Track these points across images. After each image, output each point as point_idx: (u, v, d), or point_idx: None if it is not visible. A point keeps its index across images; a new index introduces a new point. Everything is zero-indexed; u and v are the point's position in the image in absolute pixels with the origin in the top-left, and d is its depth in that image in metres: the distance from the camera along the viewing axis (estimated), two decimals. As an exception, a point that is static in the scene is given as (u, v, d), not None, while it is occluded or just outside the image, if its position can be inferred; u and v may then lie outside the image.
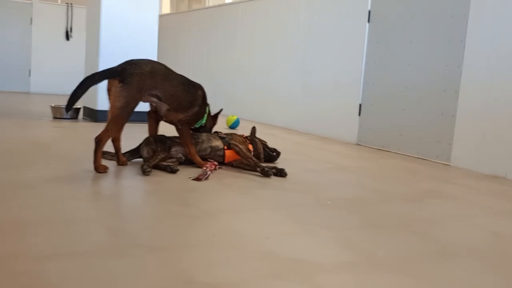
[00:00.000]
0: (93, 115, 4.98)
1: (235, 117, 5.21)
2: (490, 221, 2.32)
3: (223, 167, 3.09)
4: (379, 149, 4.42)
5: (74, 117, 5.12)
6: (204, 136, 3.14)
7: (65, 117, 5.00)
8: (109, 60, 4.59)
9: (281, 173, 2.95)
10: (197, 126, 3.22)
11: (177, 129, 3.01)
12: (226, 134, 3.21)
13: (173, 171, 2.80)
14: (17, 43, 8.27)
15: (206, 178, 2.71)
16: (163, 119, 3.03)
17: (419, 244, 1.89)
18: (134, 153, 3.04)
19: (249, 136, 3.37)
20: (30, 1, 8.29)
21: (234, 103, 6.70)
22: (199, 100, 3.08)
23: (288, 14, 5.70)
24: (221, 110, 3.42)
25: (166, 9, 8.78)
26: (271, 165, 3.07)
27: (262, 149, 3.34)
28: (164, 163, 2.88)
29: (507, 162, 3.40)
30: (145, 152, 2.98)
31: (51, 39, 8.35)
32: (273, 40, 5.97)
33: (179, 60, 8.33)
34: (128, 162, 2.97)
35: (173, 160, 2.99)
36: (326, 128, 5.05)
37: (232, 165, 3.13)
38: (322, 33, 5.15)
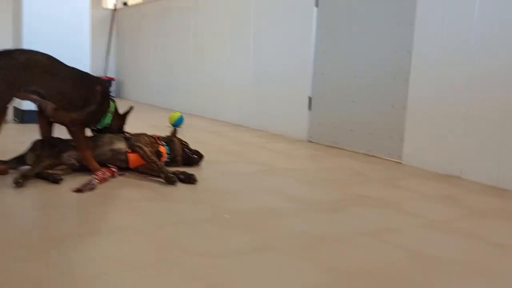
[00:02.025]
0: (18, 115, 4.53)
1: (178, 114, 4.77)
2: (415, 236, 1.90)
3: (127, 173, 2.66)
4: (330, 146, 3.99)
5: None
6: (106, 138, 2.70)
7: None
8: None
9: (189, 179, 2.53)
10: (99, 127, 2.78)
11: (69, 131, 2.57)
12: (134, 134, 2.77)
13: (56, 181, 2.37)
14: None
15: (92, 189, 2.27)
16: (50, 119, 2.59)
17: (306, 273, 1.46)
18: (20, 160, 2.60)
19: (163, 136, 2.94)
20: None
21: (188, 99, 6.27)
22: (97, 97, 2.64)
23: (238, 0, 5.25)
24: (131, 108, 2.98)
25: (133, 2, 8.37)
26: (181, 169, 2.63)
27: (180, 151, 2.90)
28: (49, 171, 2.44)
29: (461, 160, 2.99)
30: (29, 158, 2.55)
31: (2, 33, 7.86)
32: (223, 30, 5.52)
33: (138, 55, 7.87)
34: (12, 171, 2.53)
35: (64, 167, 2.55)
36: (277, 125, 4.62)
37: (138, 170, 2.70)
38: (271, 19, 4.71)
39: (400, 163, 3.37)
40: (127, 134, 2.76)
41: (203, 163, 3.02)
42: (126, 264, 1.47)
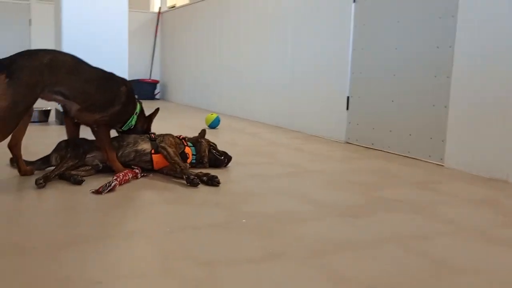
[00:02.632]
0: (59, 117, 4.62)
1: (214, 115, 4.72)
2: (443, 244, 1.73)
3: (151, 174, 2.62)
4: (368, 147, 3.82)
5: (44, 120, 4.78)
6: (131, 138, 2.67)
7: (33, 120, 4.65)
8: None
9: (212, 181, 2.45)
10: (124, 128, 2.76)
11: (93, 131, 2.56)
12: (159, 135, 2.73)
13: (77, 182, 2.35)
14: (17, 44, 8.08)
15: (110, 190, 2.23)
16: (74, 120, 2.58)
17: (318, 284, 1.34)
18: (46, 161, 2.61)
19: (190, 137, 2.88)
20: (28, 2, 8.08)
21: (228, 101, 6.23)
22: (122, 98, 2.61)
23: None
24: (157, 109, 2.94)
25: (174, 3, 8.47)
26: (206, 171, 2.56)
27: (207, 152, 2.84)
28: (72, 172, 2.43)
29: (509, 162, 2.76)
30: (53, 159, 2.55)
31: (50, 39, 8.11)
32: (260, 30, 5.43)
33: (179, 57, 7.92)
34: (38, 172, 2.54)
35: (87, 168, 2.54)
36: (314, 126, 4.48)
37: (162, 172, 2.65)
38: (307, 17, 4.58)
39: (442, 165, 3.17)
40: (152, 135, 2.71)
41: (231, 164, 2.94)
42: (125, 272, 1.41)
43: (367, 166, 3.15)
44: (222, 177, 2.57)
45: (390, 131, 3.62)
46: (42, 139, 3.58)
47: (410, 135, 3.44)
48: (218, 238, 1.72)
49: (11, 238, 1.65)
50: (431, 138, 3.29)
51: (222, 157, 2.88)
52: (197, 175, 2.47)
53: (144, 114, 2.86)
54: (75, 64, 2.44)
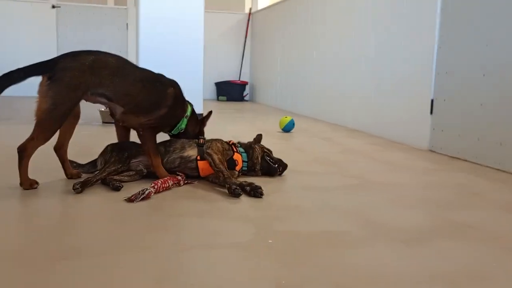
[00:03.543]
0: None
1: (288, 118, 4.48)
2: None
3: (196, 182, 2.46)
4: (454, 157, 3.37)
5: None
6: (178, 144, 2.55)
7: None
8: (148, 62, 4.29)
9: (255, 192, 2.24)
10: (174, 132, 2.64)
11: (138, 135, 2.47)
12: (208, 141, 2.57)
13: (115, 189, 2.26)
14: (114, 47, 8.47)
15: (144, 199, 2.11)
16: (120, 123, 2.51)
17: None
18: (95, 164, 2.56)
19: (243, 143, 2.69)
20: (125, 7, 8.43)
21: (310, 103, 5.98)
22: (169, 100, 2.49)
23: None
24: (210, 112, 2.78)
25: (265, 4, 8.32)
26: (250, 180, 2.36)
27: (259, 159, 2.64)
28: (115, 177, 2.35)
29: None
30: (99, 163, 2.50)
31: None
32: (341, 29, 5.10)
33: (267, 59, 7.79)
34: (86, 175, 2.50)
35: (131, 173, 2.45)
36: (395, 131, 4.09)
37: (208, 180, 2.49)
38: (391, 13, 4.18)
39: (539, 182, 2.68)
40: (201, 140, 2.56)
41: (288, 173, 2.71)
42: (108, 296, 1.25)
43: (447, 180, 2.74)
44: (271, 187, 2.37)
45: (478, 139, 3.15)
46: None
47: (500, 144, 2.96)
48: (233, 260, 1.51)
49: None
50: (527, 149, 2.80)
51: (276, 165, 2.66)
52: (240, 184, 2.28)
53: (196, 117, 2.72)
54: (119, 66, 2.36)
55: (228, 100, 8.36)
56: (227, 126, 4.92)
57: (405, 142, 3.92)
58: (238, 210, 2.04)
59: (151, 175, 2.43)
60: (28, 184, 2.23)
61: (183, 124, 2.62)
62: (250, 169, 2.63)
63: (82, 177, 2.44)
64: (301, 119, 5.57)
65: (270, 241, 1.69)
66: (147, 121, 2.43)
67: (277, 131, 4.50)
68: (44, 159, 2.49)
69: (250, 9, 8.71)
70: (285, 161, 2.70)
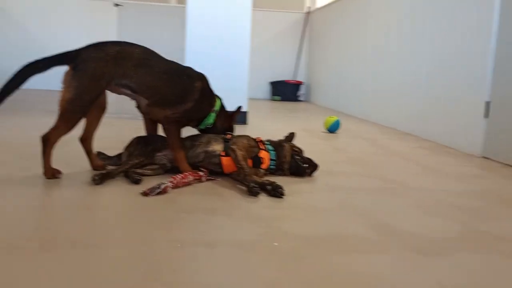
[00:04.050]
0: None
1: (334, 118, 4.32)
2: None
3: (220, 179, 2.39)
4: (508, 164, 3.10)
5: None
6: (204, 138, 2.49)
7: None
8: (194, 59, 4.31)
9: (275, 191, 2.14)
10: (201, 127, 2.59)
11: (163, 128, 2.43)
12: (235, 136, 2.50)
13: (135, 182, 2.23)
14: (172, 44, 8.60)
15: (160, 193, 2.07)
16: (145, 116, 2.48)
17: None
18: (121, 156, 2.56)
19: (273, 140, 2.59)
20: (183, 5, 8.53)
21: (360, 104, 5.77)
22: (196, 94, 2.44)
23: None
24: (239, 107, 2.71)
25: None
26: (278, 180, 2.26)
27: (288, 158, 2.53)
28: (137, 171, 2.33)
29: None
30: (124, 155, 2.49)
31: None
32: (395, 30, 4.86)
33: (322, 58, 7.63)
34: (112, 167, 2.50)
35: (155, 167, 2.42)
36: (445, 134, 3.83)
37: (231, 176, 2.42)
38: (446, 10, 3.93)
39: None
40: (228, 136, 2.50)
41: (319, 174, 2.59)
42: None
43: (492, 188, 2.52)
44: (295, 188, 2.27)
45: (535, 145, 2.87)
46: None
47: (558, 152, 2.68)
48: (222, 261, 1.42)
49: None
50: None
51: (306, 165, 2.54)
52: (262, 183, 2.19)
53: (226, 112, 2.65)
54: (144, 57, 2.33)
55: (282, 100, 8.27)
56: (270, 124, 4.84)
57: (456, 147, 3.67)
58: (252, 209, 1.95)
59: (175, 170, 2.39)
60: (50, 173, 2.25)
61: (210, 119, 2.57)
62: (278, 168, 2.53)
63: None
64: (351, 120, 5.38)
65: (276, 244, 1.58)
66: (172, 114, 2.39)
67: (322, 131, 4.36)
68: (73, 149, 2.52)
69: (309, 7, 8.56)
70: (319, 161, 2.58)
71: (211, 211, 1.90)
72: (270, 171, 2.51)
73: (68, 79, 2.18)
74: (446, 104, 3.86)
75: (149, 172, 2.39)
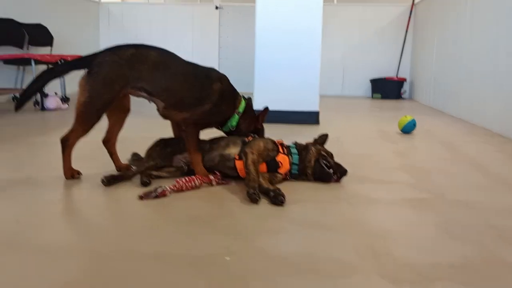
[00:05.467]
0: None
1: (408, 118, 3.92)
2: None
3: (233, 183, 2.28)
4: None
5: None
6: (224, 141, 2.39)
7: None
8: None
9: (276, 199, 1.97)
10: (225, 129, 2.49)
11: (181, 130, 2.38)
12: (256, 139, 2.36)
13: (143, 184, 2.21)
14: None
15: (156, 197, 2.01)
16: (163, 118, 2.44)
17: None
18: (147, 158, 2.56)
19: (298, 143, 2.41)
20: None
21: (462, 104, 5.21)
22: (214, 96, 2.34)
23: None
24: (266, 108, 2.55)
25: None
26: (302, 186, 2.10)
27: (312, 162, 2.33)
28: (153, 173, 2.32)
29: None
30: (145, 157, 2.48)
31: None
32: (504, 23, 4.27)
33: (426, 53, 7.05)
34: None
35: (172, 169, 2.37)
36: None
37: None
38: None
39: None
40: (248, 138, 2.36)
41: (347, 180, 2.35)
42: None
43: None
44: (309, 195, 2.13)
45: None
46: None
47: None
48: (156, 274, 1.31)
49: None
50: None
51: (331, 170, 2.31)
52: (266, 190, 2.03)
53: (253, 114, 2.52)
54: (160, 60, 2.30)
55: (383, 97, 7.81)
56: (344, 122, 4.55)
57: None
58: (240, 220, 1.81)
59: (191, 172, 2.33)
60: (69, 174, 2.32)
61: (234, 121, 2.46)
62: (301, 173, 2.34)
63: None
64: (443, 119, 4.88)
65: (228, 258, 1.43)
66: (190, 116, 2.33)
67: (396, 132, 4.00)
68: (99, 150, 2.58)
69: (413, 0, 7.98)
70: (367, 166, 2.34)
71: (196, 220, 1.79)
72: (293, 176, 2.33)
73: (83, 83, 2.23)
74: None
75: (165, 174, 2.36)
